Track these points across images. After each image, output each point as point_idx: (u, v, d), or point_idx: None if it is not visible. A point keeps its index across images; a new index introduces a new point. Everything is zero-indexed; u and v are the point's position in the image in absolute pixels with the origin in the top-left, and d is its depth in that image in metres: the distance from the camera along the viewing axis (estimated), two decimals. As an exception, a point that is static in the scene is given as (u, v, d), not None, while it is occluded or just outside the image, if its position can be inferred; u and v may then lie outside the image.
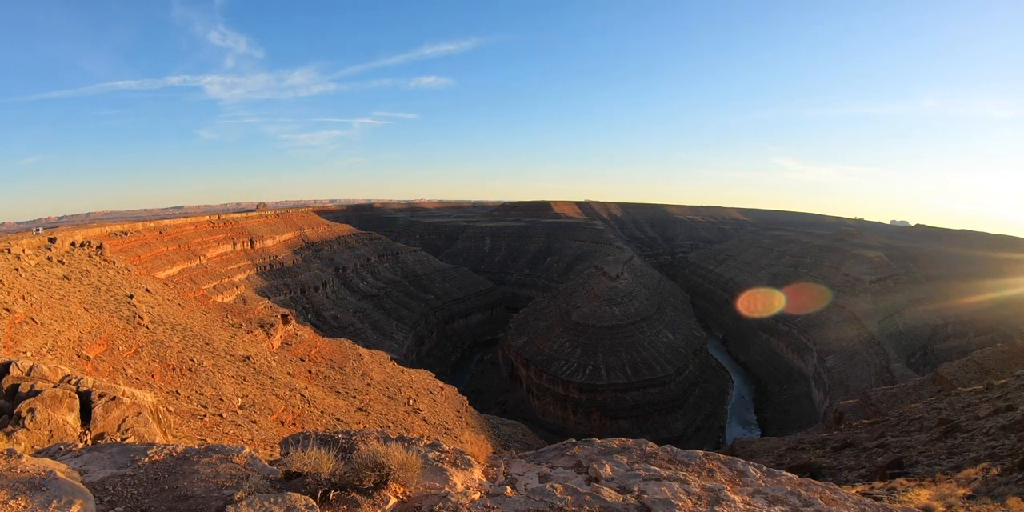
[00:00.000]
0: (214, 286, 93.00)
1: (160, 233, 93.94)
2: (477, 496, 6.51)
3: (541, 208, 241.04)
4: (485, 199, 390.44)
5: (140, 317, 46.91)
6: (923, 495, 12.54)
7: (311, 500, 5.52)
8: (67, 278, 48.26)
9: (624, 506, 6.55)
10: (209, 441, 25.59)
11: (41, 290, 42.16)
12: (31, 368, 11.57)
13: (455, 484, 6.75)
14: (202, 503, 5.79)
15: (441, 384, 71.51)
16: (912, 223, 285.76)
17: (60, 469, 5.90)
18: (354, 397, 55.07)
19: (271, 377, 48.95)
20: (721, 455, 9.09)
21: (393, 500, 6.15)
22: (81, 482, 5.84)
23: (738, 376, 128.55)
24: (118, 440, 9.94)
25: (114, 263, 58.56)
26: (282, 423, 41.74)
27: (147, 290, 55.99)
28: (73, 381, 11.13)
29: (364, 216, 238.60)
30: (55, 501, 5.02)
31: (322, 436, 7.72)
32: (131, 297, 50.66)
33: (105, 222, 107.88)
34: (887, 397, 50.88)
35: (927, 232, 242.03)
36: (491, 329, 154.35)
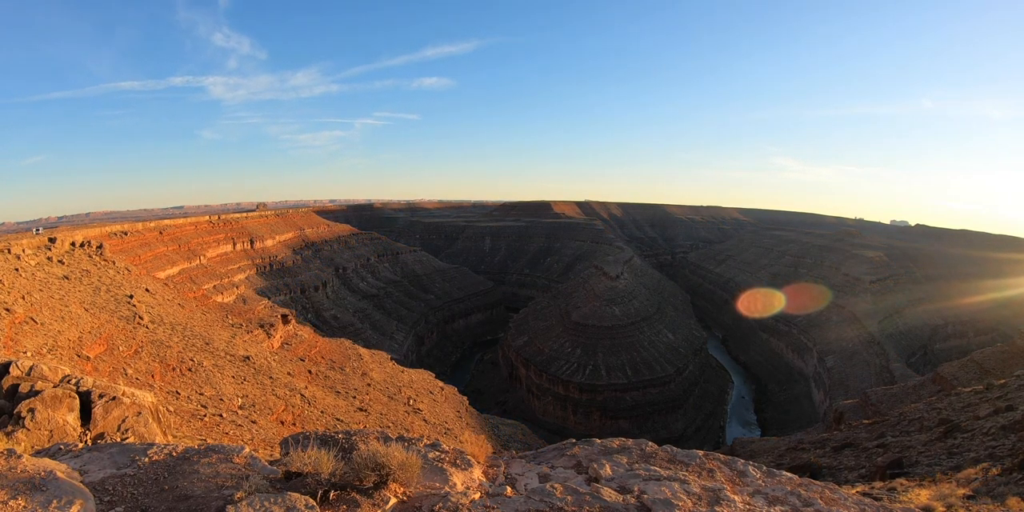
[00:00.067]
0: (214, 286, 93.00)
1: (160, 233, 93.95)
2: (477, 496, 6.51)
3: (541, 208, 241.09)
4: (485, 199, 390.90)
5: (140, 317, 46.92)
6: (923, 495, 12.54)
7: (311, 500, 5.52)
8: (67, 278, 48.27)
9: (624, 506, 6.55)
10: (209, 441, 25.59)
11: (41, 290, 42.17)
12: (31, 368, 11.57)
13: (455, 484, 6.75)
14: (202, 503, 5.79)
15: (441, 384, 71.52)
16: (912, 223, 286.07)
17: (60, 469, 5.90)
18: (354, 397, 55.08)
19: (271, 377, 48.96)
20: (721, 455, 9.09)
21: (393, 500, 6.15)
22: (81, 482, 5.84)
23: (738, 376, 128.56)
24: (118, 440, 9.94)
25: (114, 263, 58.56)
26: (282, 423, 41.75)
27: (147, 290, 56.00)
28: (73, 381, 11.13)
29: (364, 216, 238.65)
30: (55, 501, 5.02)
31: (322, 436, 7.72)
32: (131, 297, 50.66)
33: (105, 222, 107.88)
34: (887, 397, 50.88)
35: (927, 232, 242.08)
36: (491, 329, 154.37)
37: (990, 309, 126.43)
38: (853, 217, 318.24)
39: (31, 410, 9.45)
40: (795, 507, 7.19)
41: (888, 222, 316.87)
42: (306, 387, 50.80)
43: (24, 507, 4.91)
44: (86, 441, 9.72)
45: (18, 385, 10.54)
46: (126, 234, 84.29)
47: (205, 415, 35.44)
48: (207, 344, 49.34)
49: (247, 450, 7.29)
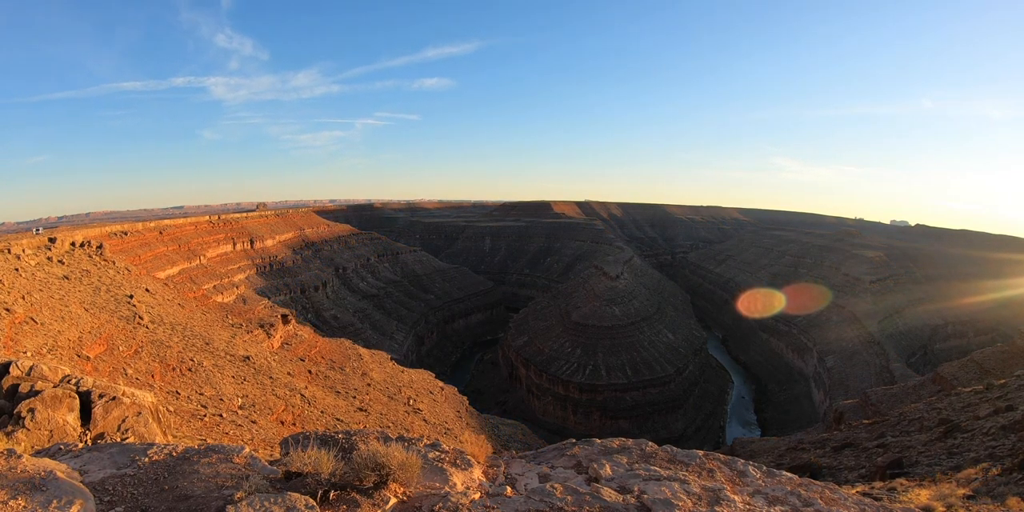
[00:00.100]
0: (214, 286, 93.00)
1: (160, 233, 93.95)
2: (477, 496, 6.51)
3: (541, 208, 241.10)
4: (485, 199, 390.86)
5: (140, 317, 46.92)
6: (923, 495, 12.54)
7: (311, 500, 5.52)
8: (67, 278, 48.27)
9: (624, 506, 6.55)
10: (209, 441, 25.59)
11: (41, 290, 42.18)
12: (31, 368, 11.57)
13: (455, 484, 6.75)
14: (202, 503, 5.79)
15: (441, 384, 71.53)
16: (912, 223, 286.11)
17: (60, 469, 5.90)
18: (354, 397, 55.08)
19: (271, 377, 48.96)
20: (721, 455, 9.09)
21: (393, 500, 6.15)
22: (81, 482, 5.84)
23: (738, 376, 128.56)
24: (118, 440, 9.94)
25: (114, 263, 58.56)
26: (282, 423, 41.75)
27: (147, 290, 56.00)
28: (73, 381, 11.13)
29: (364, 216, 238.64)
30: (55, 501, 5.02)
31: (322, 436, 7.72)
32: (131, 297, 50.67)
33: (105, 222, 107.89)
34: (887, 397, 50.89)
35: (927, 232, 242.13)
36: (491, 329, 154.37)
37: (990, 309, 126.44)
38: (853, 217, 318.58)
39: (31, 410, 9.45)
40: (795, 507, 7.19)
41: (888, 222, 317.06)
42: (306, 387, 50.80)
43: (24, 507, 4.91)
44: (86, 441, 9.72)
45: (18, 385, 10.54)
46: (126, 234, 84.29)
47: (205, 415, 35.44)
48: (207, 344, 49.34)
49: (247, 450, 7.29)
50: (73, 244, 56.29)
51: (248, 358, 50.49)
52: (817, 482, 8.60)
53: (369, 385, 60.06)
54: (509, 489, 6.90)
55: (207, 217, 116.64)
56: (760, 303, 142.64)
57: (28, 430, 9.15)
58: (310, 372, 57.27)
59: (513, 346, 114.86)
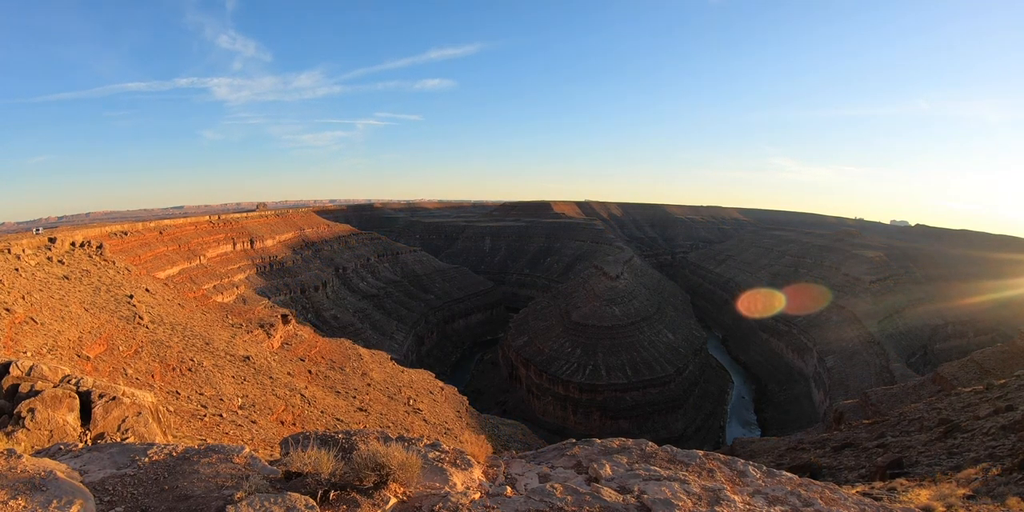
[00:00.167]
0: (214, 286, 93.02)
1: (160, 233, 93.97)
2: (477, 496, 6.51)
3: (541, 208, 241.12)
4: (485, 199, 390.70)
5: (140, 317, 46.93)
6: (923, 495, 12.54)
7: (311, 500, 5.52)
8: (67, 278, 48.28)
9: (624, 506, 6.55)
10: (209, 441, 25.60)
11: (41, 290, 42.18)
12: (31, 368, 11.57)
13: (455, 484, 6.75)
14: (202, 503, 5.79)
15: (441, 384, 71.53)
16: (912, 223, 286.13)
17: (60, 469, 5.90)
18: (354, 397, 55.08)
19: (271, 377, 48.97)
20: (721, 455, 9.09)
21: (393, 500, 6.15)
22: (81, 482, 5.84)
23: (738, 376, 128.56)
24: (118, 440, 9.94)
25: (114, 263, 58.57)
26: (282, 423, 41.75)
27: (147, 290, 56.00)
28: (73, 381, 11.13)
29: (364, 216, 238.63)
30: (55, 501, 5.02)
31: (322, 436, 7.72)
32: (131, 297, 50.67)
33: (105, 222, 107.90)
34: (887, 397, 50.89)
35: (927, 232, 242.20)
36: (491, 329, 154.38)
37: (990, 309, 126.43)
38: (853, 217, 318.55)
39: (31, 410, 9.45)
40: (795, 507, 7.19)
41: (888, 222, 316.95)
42: (306, 387, 50.80)
43: (24, 507, 4.91)
44: (86, 441, 9.72)
45: (18, 385, 10.54)
46: (126, 234, 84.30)
47: (205, 415, 35.44)
48: (207, 344, 49.34)
49: (247, 450, 7.29)
50: (73, 244, 56.30)
51: (248, 358, 50.49)
52: (817, 482, 8.60)
53: (369, 385, 60.06)
54: (509, 489, 6.90)
55: (207, 217, 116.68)
56: (760, 303, 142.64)
57: (28, 430, 9.15)
58: (310, 372, 57.27)
59: (513, 346, 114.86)
